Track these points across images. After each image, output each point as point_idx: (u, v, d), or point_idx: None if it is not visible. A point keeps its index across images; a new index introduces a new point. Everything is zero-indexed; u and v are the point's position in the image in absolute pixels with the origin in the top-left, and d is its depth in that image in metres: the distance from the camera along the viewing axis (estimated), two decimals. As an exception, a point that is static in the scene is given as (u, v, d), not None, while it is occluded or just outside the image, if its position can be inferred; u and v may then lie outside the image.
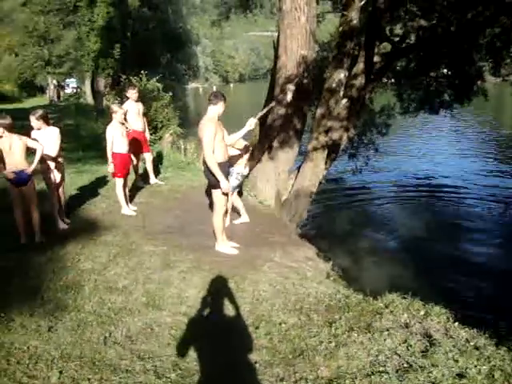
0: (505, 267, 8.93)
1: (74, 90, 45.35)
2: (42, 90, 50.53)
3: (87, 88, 34.85)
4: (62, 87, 47.08)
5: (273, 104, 7.10)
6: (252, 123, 5.61)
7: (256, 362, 3.37)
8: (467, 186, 15.58)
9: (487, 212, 12.90)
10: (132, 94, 8.21)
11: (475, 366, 3.24)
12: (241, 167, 6.46)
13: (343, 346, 3.54)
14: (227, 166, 5.52)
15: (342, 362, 3.34)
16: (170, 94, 14.89)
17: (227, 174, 5.50)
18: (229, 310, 4.15)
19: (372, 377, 3.15)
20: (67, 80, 48.80)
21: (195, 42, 45.29)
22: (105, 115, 17.91)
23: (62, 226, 6.30)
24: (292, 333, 3.77)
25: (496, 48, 11.42)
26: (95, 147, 11.83)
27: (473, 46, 11.02)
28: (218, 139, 5.25)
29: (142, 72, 14.23)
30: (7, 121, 5.54)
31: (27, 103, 38.55)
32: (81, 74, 38.06)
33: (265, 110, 6.71)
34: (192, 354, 3.47)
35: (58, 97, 41.91)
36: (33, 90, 51.94)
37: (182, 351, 3.50)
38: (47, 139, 5.99)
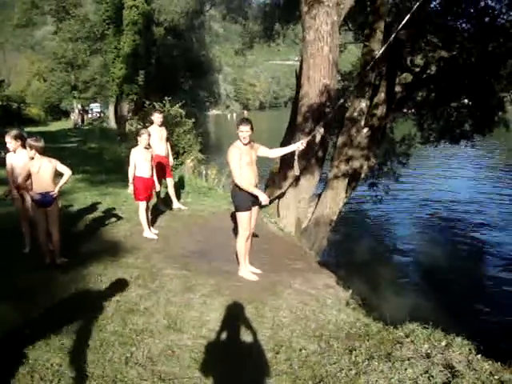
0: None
1: (98, 115, 46.33)
2: (66, 114, 51.77)
3: (111, 113, 35.58)
4: (86, 112, 48.14)
5: (320, 130, 7.22)
6: (299, 145, 5.64)
7: (276, 388, 3.37)
8: (489, 213, 15.52)
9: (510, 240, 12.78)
10: (157, 118, 8.35)
11: (499, 400, 3.20)
12: None
13: (363, 374, 3.52)
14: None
15: (363, 391, 3.32)
16: (193, 120, 15.14)
17: (252, 200, 5.54)
18: (249, 334, 4.16)
19: (393, 406, 3.13)
20: (91, 105, 49.91)
21: (217, 70, 45.95)
22: (128, 139, 18.27)
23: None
24: (312, 359, 3.77)
25: (517, 78, 11.42)
26: (118, 170, 12.04)
27: (494, 76, 11.04)
28: (242, 164, 5.33)
29: (166, 98, 14.52)
30: (40, 144, 5.65)
31: (53, 126, 39.58)
32: (105, 99, 39.00)
33: (310, 136, 6.76)
34: (213, 377, 3.48)
35: (82, 121, 42.92)
36: (58, 114, 53.39)
37: (202, 374, 3.52)
38: (20, 162, 6.00)
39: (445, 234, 13.75)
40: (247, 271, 5.77)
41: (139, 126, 13.39)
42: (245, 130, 5.22)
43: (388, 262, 11.20)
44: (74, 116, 43.73)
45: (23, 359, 3.63)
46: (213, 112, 61.47)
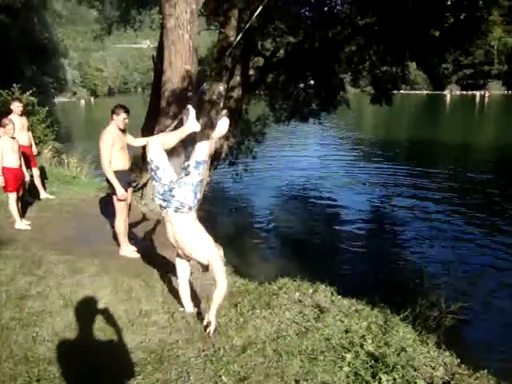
0: (373, 249, 10.32)
1: None
2: None
3: None
4: None
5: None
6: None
7: (178, 341, 3.82)
8: (337, 179, 17.57)
9: (358, 203, 14.56)
10: (17, 107, 8.12)
11: (357, 324, 4.04)
12: None
13: (250, 321, 4.13)
14: (127, 174, 5.88)
15: (252, 333, 3.92)
16: (47, 108, 14.57)
17: (127, 182, 5.86)
18: (143, 302, 4.54)
19: (278, 340, 3.79)
20: None
21: (62, 54, 43.41)
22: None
23: None
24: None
25: (353, 62, 12.95)
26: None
27: (334, 60, 12.37)
28: (116, 149, 5.60)
29: (15, 85, 13.73)
30: None
31: None
32: None
33: (176, 121, 7.05)
34: (119, 340, 3.83)
35: None
36: None
37: (110, 339, 3.84)
38: None
39: (299, 202, 15.26)
40: (128, 249, 6.08)
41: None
42: (126, 117, 5.53)
43: (252, 233, 12.11)
44: None
45: None
46: (59, 99, 58.05)
